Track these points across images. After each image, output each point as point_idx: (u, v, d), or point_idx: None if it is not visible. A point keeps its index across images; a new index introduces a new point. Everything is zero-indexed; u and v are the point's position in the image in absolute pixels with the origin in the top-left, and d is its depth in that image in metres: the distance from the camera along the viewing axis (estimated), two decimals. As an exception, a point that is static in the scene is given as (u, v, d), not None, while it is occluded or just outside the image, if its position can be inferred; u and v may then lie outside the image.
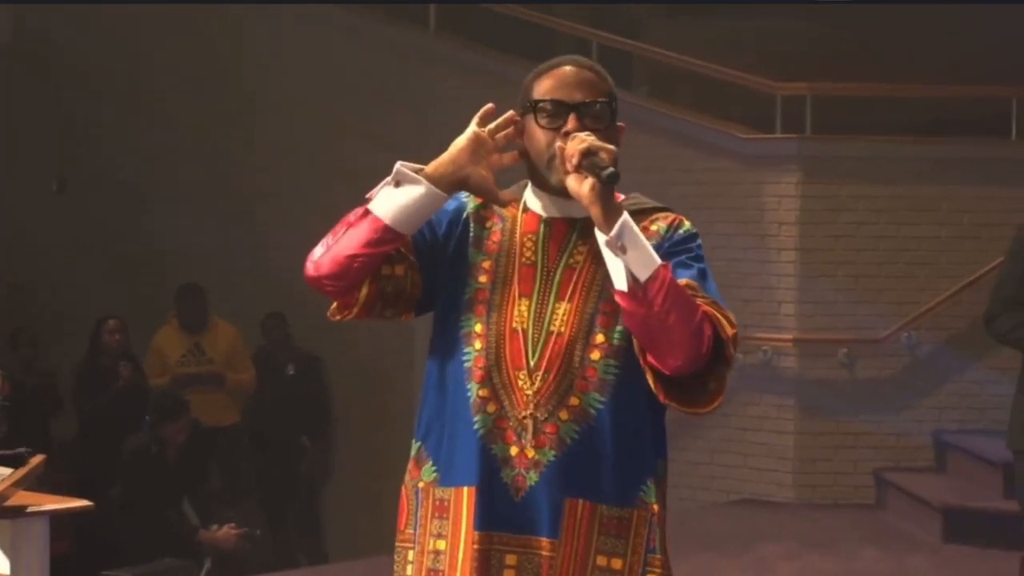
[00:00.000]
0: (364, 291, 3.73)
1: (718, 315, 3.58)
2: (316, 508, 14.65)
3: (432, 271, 3.81)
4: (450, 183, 3.70)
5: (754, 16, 14.01)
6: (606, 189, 3.54)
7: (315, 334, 13.66)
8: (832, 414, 12.18)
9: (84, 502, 6.35)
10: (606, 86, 3.80)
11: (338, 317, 3.82)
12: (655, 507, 3.76)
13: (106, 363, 12.44)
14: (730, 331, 3.58)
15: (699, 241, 3.79)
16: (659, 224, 3.77)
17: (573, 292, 3.76)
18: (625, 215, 3.56)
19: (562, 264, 3.80)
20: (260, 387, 13.43)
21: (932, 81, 12.66)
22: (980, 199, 12.16)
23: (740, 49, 13.34)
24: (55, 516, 6.16)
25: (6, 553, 6.10)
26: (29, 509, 5.86)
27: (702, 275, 3.68)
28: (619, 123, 3.84)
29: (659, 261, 3.52)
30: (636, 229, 3.52)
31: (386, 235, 3.64)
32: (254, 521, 11.37)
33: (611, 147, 3.59)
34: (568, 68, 3.76)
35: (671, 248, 3.71)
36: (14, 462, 6.29)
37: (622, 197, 3.78)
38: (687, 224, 3.79)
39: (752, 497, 12.24)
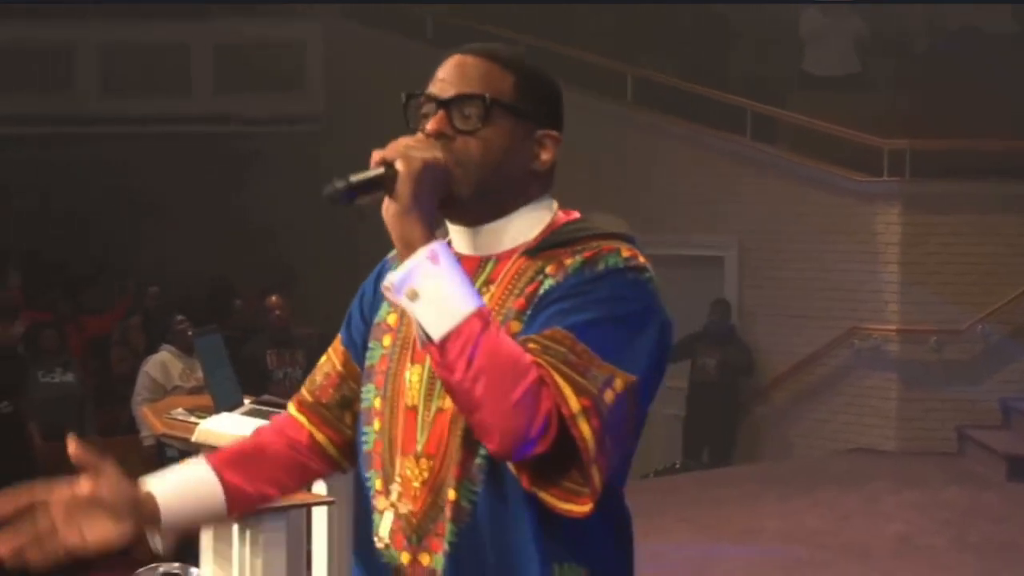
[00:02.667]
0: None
1: (563, 383, 2.41)
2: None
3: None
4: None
5: (866, 88, 15.35)
6: (414, 210, 2.48)
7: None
8: (924, 385, 13.52)
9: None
10: (493, 77, 2.65)
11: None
12: None
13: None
14: (575, 406, 2.41)
15: (629, 278, 2.57)
16: (575, 258, 2.60)
17: None
18: (428, 248, 2.45)
19: None
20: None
21: (998, 136, 13.66)
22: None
23: (857, 112, 14.28)
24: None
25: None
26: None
27: (592, 324, 2.48)
28: (546, 131, 2.71)
29: (465, 311, 2.40)
30: (444, 267, 2.44)
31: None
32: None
33: (427, 155, 2.53)
34: (456, 55, 2.70)
35: (567, 290, 2.55)
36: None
37: (575, 216, 2.76)
38: (618, 258, 2.58)
39: (864, 447, 13.54)
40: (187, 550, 5.79)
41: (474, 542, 2.61)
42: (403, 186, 2.51)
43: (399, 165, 2.51)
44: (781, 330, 14.21)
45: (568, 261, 2.62)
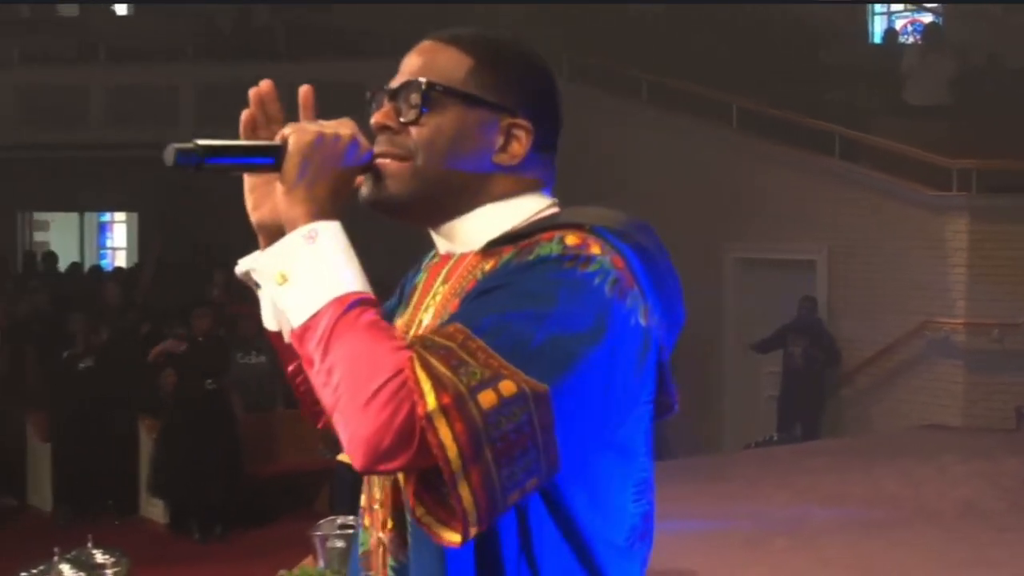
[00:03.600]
0: None
1: (424, 376, 1.76)
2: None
3: None
4: None
5: (938, 115, 15.18)
6: (298, 187, 1.95)
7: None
8: (987, 371, 13.41)
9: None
10: (446, 62, 2.08)
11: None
12: None
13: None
14: (431, 403, 1.74)
15: (563, 269, 1.89)
16: (510, 252, 2.00)
17: None
18: (307, 227, 1.93)
19: (412, 331, 2.12)
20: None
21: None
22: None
23: (930, 136, 14.22)
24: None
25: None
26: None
27: (499, 320, 1.81)
28: (513, 120, 2.06)
29: (330, 296, 1.87)
30: (322, 247, 1.91)
31: None
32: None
33: (325, 129, 1.99)
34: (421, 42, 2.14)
35: (487, 282, 1.95)
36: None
37: (553, 211, 2.10)
38: (555, 246, 1.93)
39: (935, 423, 13.48)
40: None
41: None
42: (289, 161, 1.97)
43: (289, 135, 1.99)
44: (864, 323, 14.24)
45: (506, 255, 2.00)
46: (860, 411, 14.48)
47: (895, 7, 20.64)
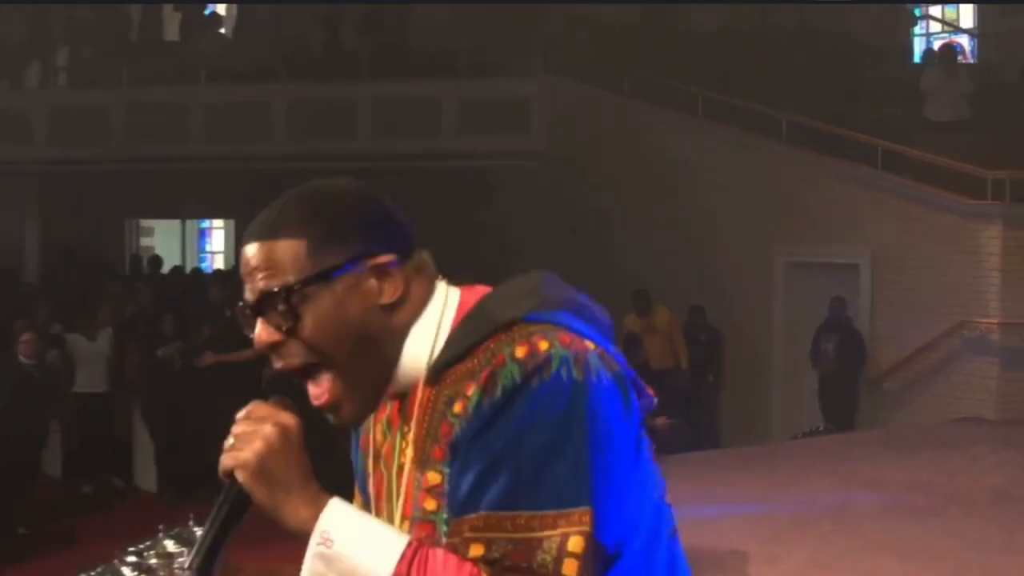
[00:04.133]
0: None
1: None
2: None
3: None
4: None
5: (974, 129, 15.16)
6: (278, 502, 1.84)
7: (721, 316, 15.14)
8: (1021, 367, 13.37)
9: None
10: (283, 257, 1.91)
11: None
12: None
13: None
14: None
15: (532, 391, 1.81)
16: (468, 391, 1.86)
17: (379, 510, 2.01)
18: (316, 533, 1.82)
19: (392, 482, 2.02)
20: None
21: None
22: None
23: (966, 149, 14.24)
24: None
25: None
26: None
27: (517, 486, 1.79)
28: (370, 263, 1.92)
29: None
30: (340, 548, 1.80)
31: None
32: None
33: (257, 445, 1.83)
34: (245, 245, 1.96)
35: (473, 441, 1.83)
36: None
37: (469, 306, 1.97)
38: (512, 369, 1.82)
39: (969, 416, 13.35)
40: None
41: None
42: (256, 492, 1.83)
43: (238, 476, 1.84)
44: (904, 322, 14.15)
45: (470, 392, 1.85)
46: (899, 404, 14.40)
47: (933, 27, 20.62)
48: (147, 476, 13.94)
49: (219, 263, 24.37)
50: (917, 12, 20.08)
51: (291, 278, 1.89)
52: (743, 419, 15.33)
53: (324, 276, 1.89)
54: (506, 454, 1.79)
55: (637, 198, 16.64)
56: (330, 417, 1.96)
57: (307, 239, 1.90)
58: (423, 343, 1.95)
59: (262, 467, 1.82)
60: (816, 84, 16.57)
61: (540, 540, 1.76)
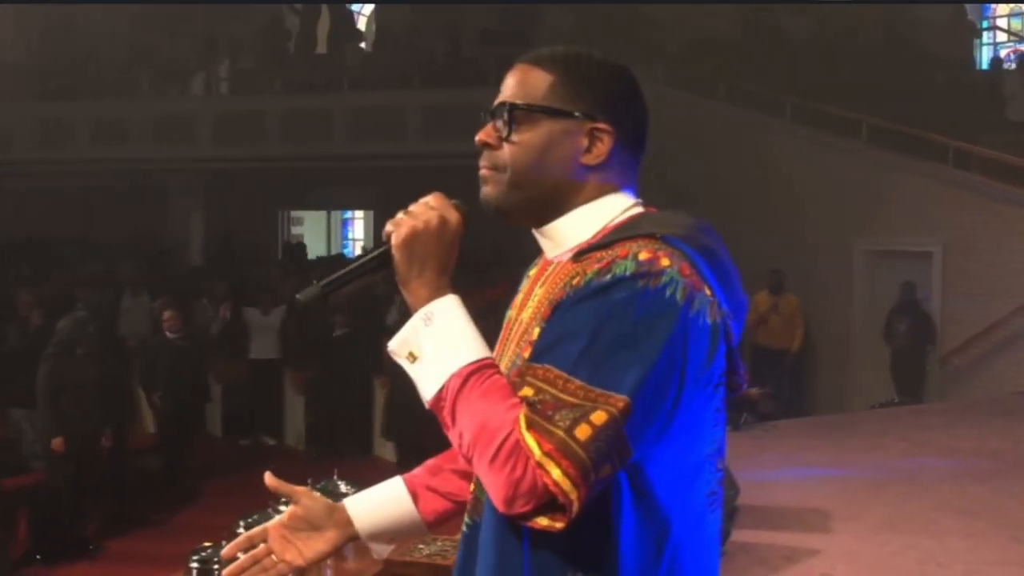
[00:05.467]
0: None
1: (528, 434, 1.74)
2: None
3: None
4: None
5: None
6: (409, 277, 1.92)
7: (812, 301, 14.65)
8: None
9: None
10: (530, 82, 2.00)
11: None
12: None
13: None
14: (538, 453, 1.73)
15: (637, 288, 1.79)
16: (589, 271, 1.87)
17: (502, 358, 2.02)
18: (424, 309, 1.90)
19: (514, 327, 2.06)
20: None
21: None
22: None
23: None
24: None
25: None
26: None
27: (583, 354, 1.78)
28: (595, 124, 1.97)
29: (447, 372, 1.84)
30: (438, 327, 1.87)
31: None
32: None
33: (416, 222, 1.93)
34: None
35: (571, 305, 1.85)
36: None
37: (636, 211, 2.00)
38: (629, 264, 1.82)
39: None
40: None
41: (479, 537, 1.96)
42: (396, 257, 1.93)
43: (392, 240, 1.94)
44: (972, 305, 13.90)
45: (590, 269, 1.86)
46: (968, 378, 14.14)
47: (1000, 37, 20.40)
48: (296, 435, 14.09)
49: (359, 249, 24.69)
50: (984, 24, 19.70)
51: (527, 101, 1.97)
52: (826, 391, 15.20)
53: (551, 111, 1.96)
54: (588, 328, 1.78)
55: (732, 192, 16.35)
56: (482, 188, 2.02)
57: (555, 78, 1.97)
58: (584, 225, 1.99)
59: (411, 241, 1.91)
60: (893, 90, 16.34)
61: (573, 404, 1.74)
